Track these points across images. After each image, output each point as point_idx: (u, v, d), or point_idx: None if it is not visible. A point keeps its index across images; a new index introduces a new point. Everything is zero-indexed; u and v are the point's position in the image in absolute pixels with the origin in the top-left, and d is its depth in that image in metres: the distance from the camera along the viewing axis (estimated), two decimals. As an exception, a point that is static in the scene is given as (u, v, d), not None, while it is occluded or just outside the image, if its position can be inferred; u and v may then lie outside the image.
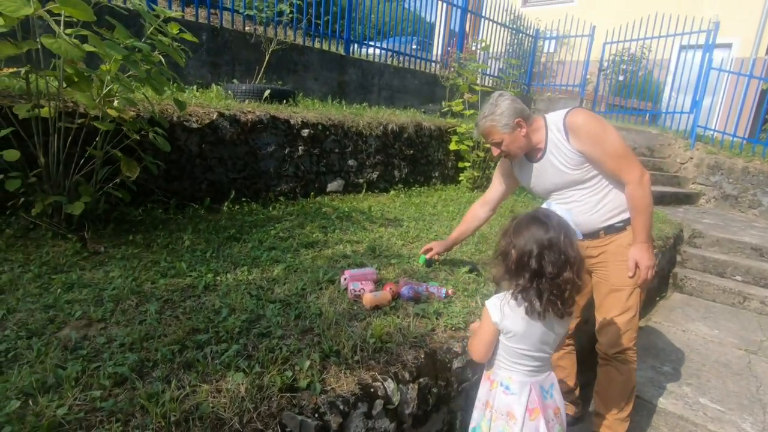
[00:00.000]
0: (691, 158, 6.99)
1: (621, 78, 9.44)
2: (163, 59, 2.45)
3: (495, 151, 1.96)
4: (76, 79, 2.15)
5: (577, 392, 2.30)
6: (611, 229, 1.92)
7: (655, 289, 4.27)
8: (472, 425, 1.51)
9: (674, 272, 4.60)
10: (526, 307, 1.28)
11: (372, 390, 1.46)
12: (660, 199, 6.15)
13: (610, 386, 2.02)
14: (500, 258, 1.35)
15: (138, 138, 2.51)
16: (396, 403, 1.49)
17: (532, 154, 1.96)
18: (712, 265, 4.61)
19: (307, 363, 1.44)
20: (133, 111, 2.65)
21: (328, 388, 1.39)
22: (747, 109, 7.06)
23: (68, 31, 2.07)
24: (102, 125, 2.17)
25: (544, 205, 1.43)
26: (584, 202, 1.91)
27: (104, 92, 2.23)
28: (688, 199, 6.64)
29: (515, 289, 1.30)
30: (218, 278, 2.01)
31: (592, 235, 1.96)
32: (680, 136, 7.36)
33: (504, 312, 1.33)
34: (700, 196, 6.79)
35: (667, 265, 4.55)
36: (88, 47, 2.03)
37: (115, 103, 2.41)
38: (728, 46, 10.10)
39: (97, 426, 1.09)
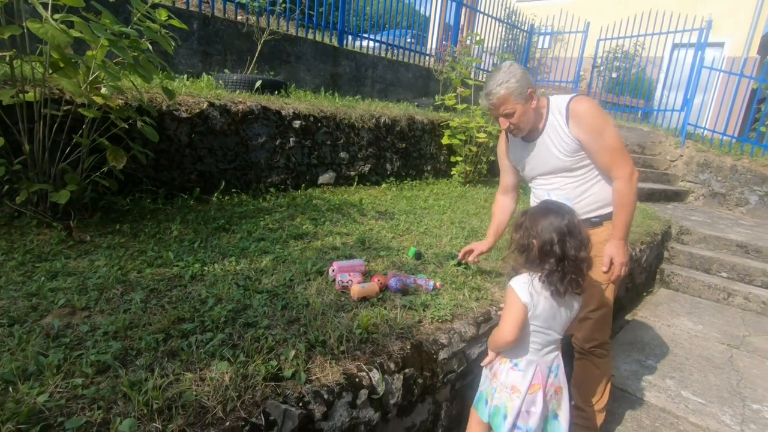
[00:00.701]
0: (681, 156, 7.06)
1: (614, 75, 9.48)
2: (151, 47, 2.42)
3: (504, 123, 1.86)
4: (62, 65, 2.11)
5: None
6: (588, 224, 1.91)
7: (642, 285, 4.32)
8: (480, 389, 1.59)
9: (661, 268, 4.66)
10: (552, 290, 1.38)
11: (357, 380, 1.46)
12: (649, 196, 6.22)
13: (586, 379, 2.05)
14: (519, 250, 1.44)
15: (126, 127, 2.48)
16: (381, 393, 1.50)
17: (529, 133, 1.94)
18: (699, 262, 4.67)
19: (293, 353, 1.44)
20: (121, 99, 2.61)
21: (313, 377, 1.39)
22: (737, 108, 7.13)
23: (55, 16, 2.03)
24: (88, 113, 2.14)
25: (545, 197, 1.53)
26: (567, 191, 1.90)
27: (91, 79, 2.20)
28: (677, 196, 6.72)
29: (542, 274, 1.38)
30: (205, 268, 2.01)
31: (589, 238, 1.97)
32: (671, 134, 7.42)
33: (531, 293, 1.40)
34: (689, 194, 6.87)
35: (655, 261, 4.61)
36: (75, 33, 1.99)
37: (103, 90, 2.38)
38: (720, 45, 10.17)
39: (78, 413, 1.08)
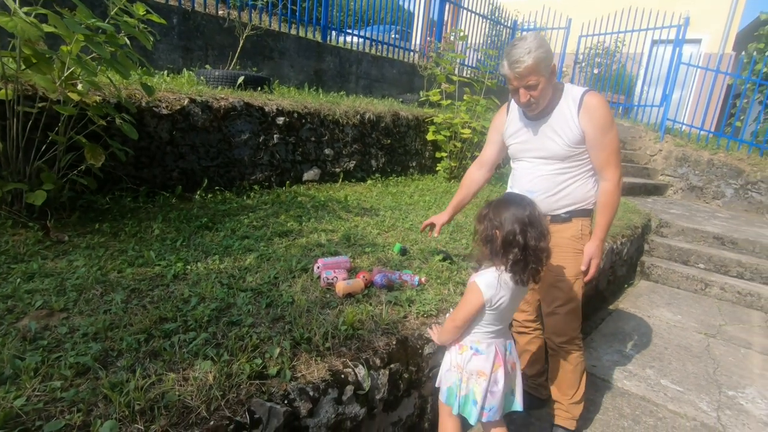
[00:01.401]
0: (661, 150, 7.21)
1: (596, 71, 9.61)
2: (128, 42, 2.36)
3: (524, 96, 1.75)
4: (34, 61, 2.05)
5: (545, 376, 2.37)
6: (557, 219, 1.94)
7: (623, 277, 4.41)
8: (447, 385, 1.58)
9: (642, 260, 4.77)
10: (515, 278, 1.42)
11: (343, 376, 1.47)
12: (630, 190, 6.34)
13: (560, 374, 2.08)
14: (483, 242, 1.47)
15: (104, 124, 2.42)
16: (367, 389, 1.51)
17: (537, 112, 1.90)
18: (677, 254, 4.79)
19: (277, 350, 1.44)
20: (99, 96, 2.55)
21: (299, 374, 1.39)
22: (714, 103, 7.31)
23: (26, 9, 1.97)
24: (63, 110, 2.09)
25: (522, 181, 1.60)
26: (549, 180, 1.91)
27: (66, 75, 2.14)
28: (656, 190, 6.87)
29: (506, 264, 1.42)
30: (188, 267, 1.98)
31: (548, 229, 1.99)
32: (650, 129, 7.58)
33: (497, 289, 1.45)
34: (668, 187, 7.03)
35: (636, 253, 4.71)
36: (47, 27, 1.94)
37: (79, 87, 2.32)
38: (697, 41, 10.40)
39: (57, 416, 1.06)
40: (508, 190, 2.12)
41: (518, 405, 1.62)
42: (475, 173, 2.22)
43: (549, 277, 2.02)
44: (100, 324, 1.43)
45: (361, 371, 1.52)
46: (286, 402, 1.29)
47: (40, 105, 2.23)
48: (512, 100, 1.94)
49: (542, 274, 1.47)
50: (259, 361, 1.37)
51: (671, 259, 4.82)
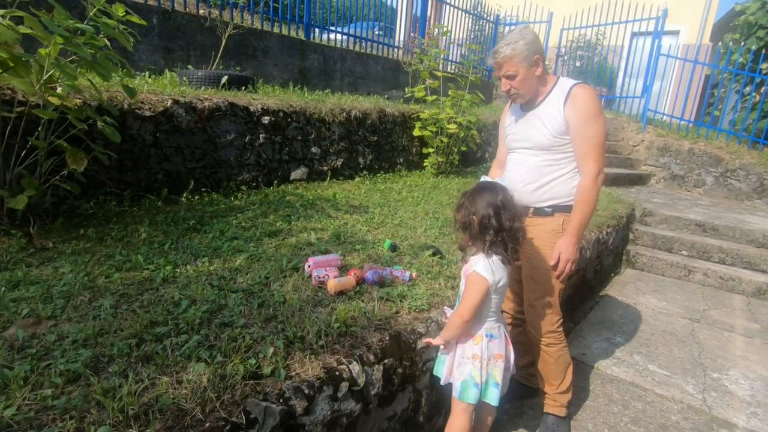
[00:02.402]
0: (643, 141, 7.34)
1: (578, 64, 9.72)
2: (108, 43, 2.32)
3: (505, 86, 1.89)
4: (11, 64, 2.00)
5: (536, 366, 2.40)
6: (540, 212, 1.97)
7: (609, 266, 4.49)
8: (461, 378, 1.61)
9: (627, 249, 4.86)
10: (501, 258, 1.53)
11: (337, 373, 1.48)
12: (614, 181, 6.45)
13: (545, 366, 2.10)
14: (462, 228, 1.58)
15: (85, 127, 2.38)
16: (361, 385, 1.52)
17: (529, 102, 1.95)
18: (661, 242, 4.90)
19: (271, 350, 1.44)
20: (79, 99, 2.51)
21: (293, 373, 1.40)
22: (693, 93, 7.46)
23: (1, 12, 1.92)
24: (43, 113, 2.05)
25: (482, 179, 1.65)
26: (535, 172, 1.94)
27: (45, 78, 2.10)
28: (639, 179, 6.99)
29: (485, 246, 1.52)
30: (177, 270, 1.96)
31: (523, 211, 1.98)
32: (632, 120, 7.70)
33: (493, 270, 1.53)
34: (650, 177, 7.16)
35: (621, 242, 4.80)
36: (24, 29, 1.90)
37: (59, 90, 2.28)
38: (675, 33, 10.59)
39: (49, 424, 1.05)
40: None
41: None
42: (496, 174, 2.25)
43: (528, 270, 2.05)
44: (89, 330, 1.41)
45: (356, 368, 1.53)
46: (281, 401, 1.29)
47: (18, 109, 2.18)
48: None
49: (520, 254, 1.60)
50: (253, 361, 1.37)
51: (655, 247, 4.92)
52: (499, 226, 1.50)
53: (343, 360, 1.53)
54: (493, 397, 1.62)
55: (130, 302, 1.65)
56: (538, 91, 1.94)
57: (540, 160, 1.94)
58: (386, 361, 1.67)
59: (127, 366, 1.29)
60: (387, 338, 1.71)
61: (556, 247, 1.90)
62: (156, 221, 2.57)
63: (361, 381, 1.52)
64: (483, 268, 1.53)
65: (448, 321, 1.64)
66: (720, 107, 7.20)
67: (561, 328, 2.04)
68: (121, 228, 2.40)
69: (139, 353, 1.35)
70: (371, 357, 1.61)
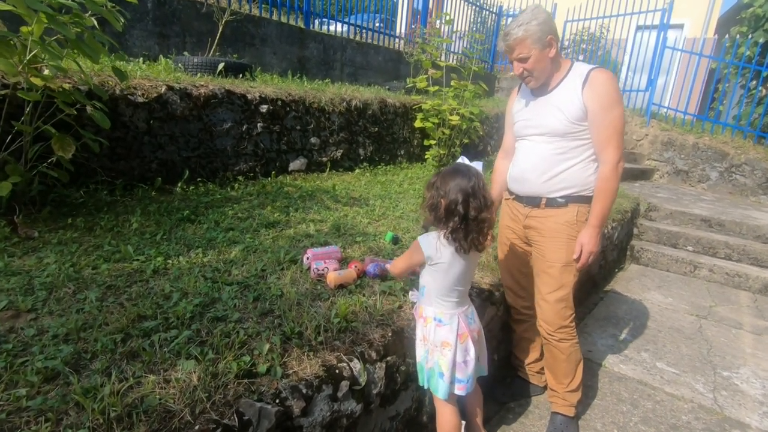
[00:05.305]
0: (647, 135, 7.24)
1: (581, 57, 9.59)
2: (96, 24, 2.21)
3: (517, 69, 1.81)
4: (-7, 43, 1.89)
5: (543, 362, 2.32)
6: (553, 203, 1.88)
7: (614, 262, 4.41)
8: (417, 360, 1.62)
9: (632, 244, 4.77)
10: (456, 246, 1.48)
11: (337, 371, 1.39)
12: (618, 175, 6.34)
13: (554, 364, 2.02)
14: (428, 208, 1.53)
15: (74, 113, 2.27)
16: (363, 384, 1.43)
17: (542, 87, 1.86)
18: (666, 237, 4.81)
19: (267, 346, 1.35)
20: (68, 83, 2.40)
21: (290, 371, 1.31)
22: (698, 87, 7.35)
23: (-20, -14, 1.81)
24: (28, 96, 1.94)
25: (459, 160, 1.59)
26: (548, 160, 1.84)
27: (28, 58, 1.99)
28: (643, 174, 6.90)
29: (446, 230, 1.48)
30: (169, 261, 1.87)
31: (534, 202, 1.92)
32: (636, 114, 7.59)
33: (437, 247, 1.51)
34: (654, 172, 7.07)
35: (625, 237, 4.71)
36: (4, 6, 1.78)
37: (46, 72, 2.16)
38: (680, 26, 10.45)
39: (21, 427, 0.96)
40: (509, 172, 2.05)
41: (484, 369, 1.70)
42: (502, 164, 2.16)
43: (540, 263, 1.96)
44: (71, 324, 1.32)
45: (357, 365, 1.44)
46: (277, 401, 1.20)
47: (2, 92, 2.08)
48: None
49: (486, 244, 1.55)
50: (247, 358, 1.28)
51: (660, 242, 4.84)
52: (465, 214, 1.45)
53: (344, 357, 1.44)
54: (438, 389, 1.55)
55: (118, 295, 1.56)
56: (552, 75, 1.84)
57: (553, 147, 1.84)
58: (389, 358, 1.58)
59: (111, 363, 1.20)
60: (389, 334, 1.62)
61: (578, 239, 1.82)
62: (148, 211, 2.47)
63: (363, 380, 1.44)
64: (426, 240, 1.53)
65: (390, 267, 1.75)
66: (725, 102, 7.09)
67: (573, 323, 1.96)
68: (111, 218, 2.30)
69: (124, 349, 1.26)
70: (373, 354, 1.53)
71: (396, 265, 1.68)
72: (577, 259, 1.85)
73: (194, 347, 1.29)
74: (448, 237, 1.48)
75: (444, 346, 1.54)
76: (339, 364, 1.41)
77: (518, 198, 2.02)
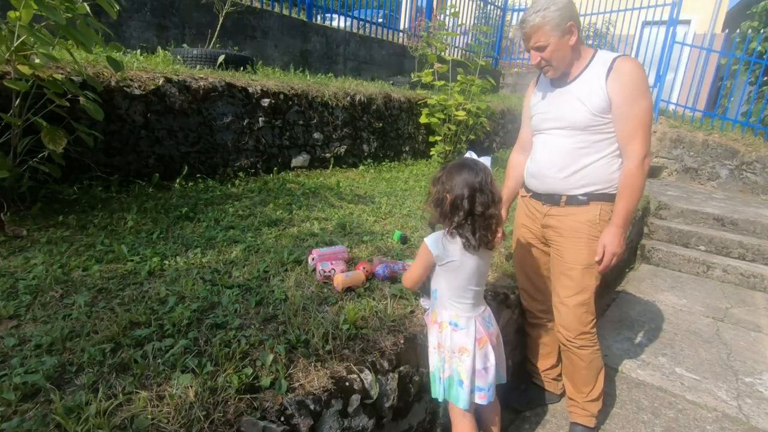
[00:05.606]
0: (655, 132, 7.10)
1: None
2: (89, 11, 2.09)
3: (534, 59, 1.69)
4: (-22, 29, 1.78)
5: (559, 368, 2.21)
6: (573, 201, 1.76)
7: (624, 261, 4.29)
8: (430, 370, 1.51)
9: (642, 244, 4.65)
10: (463, 242, 1.41)
11: (347, 384, 1.27)
12: (626, 173, 6.21)
13: (574, 371, 1.91)
14: (434, 204, 1.46)
15: (67, 104, 2.15)
16: (374, 397, 1.32)
17: (562, 77, 1.74)
18: (677, 236, 4.69)
19: (271, 357, 1.23)
20: (61, 73, 2.28)
21: (296, 384, 1.19)
22: (707, 83, 7.21)
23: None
24: (15, 85, 1.82)
25: (466, 155, 1.51)
26: (568, 155, 1.73)
27: (16, 45, 1.87)
28: (651, 172, 6.76)
29: (451, 226, 1.41)
30: (165, 262, 1.75)
31: (554, 199, 1.80)
32: (644, 111, 7.44)
33: (443, 245, 1.43)
34: (663, 169, 6.94)
35: (636, 237, 4.59)
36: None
37: (37, 61, 2.04)
38: (687, 22, 10.30)
39: (-6, 455, 0.85)
40: (526, 167, 1.93)
41: (502, 377, 1.59)
42: (518, 158, 2.03)
43: (559, 265, 1.84)
44: (56, 333, 1.20)
45: (368, 377, 1.33)
46: (282, 419, 1.09)
47: (-11, 82, 1.96)
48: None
49: (496, 240, 1.48)
50: (249, 370, 1.17)
51: (671, 241, 4.72)
52: (470, 210, 1.38)
53: (354, 368, 1.32)
54: (459, 398, 1.44)
55: (109, 299, 1.44)
56: (572, 64, 1.72)
57: (575, 141, 1.72)
58: (401, 368, 1.47)
59: (98, 377, 1.08)
60: (402, 341, 1.51)
61: (600, 239, 1.70)
62: (145, 208, 2.35)
63: (375, 392, 1.32)
64: (432, 240, 1.45)
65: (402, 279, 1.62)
66: (734, 98, 6.95)
67: (595, 329, 1.84)
68: (106, 215, 2.18)
69: (113, 361, 1.14)
70: (385, 364, 1.41)
71: (409, 277, 1.57)
72: (599, 261, 1.73)
73: (191, 358, 1.18)
74: (453, 232, 1.42)
75: (462, 352, 1.44)
76: (349, 376, 1.30)
77: (536, 195, 1.90)
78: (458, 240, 1.41)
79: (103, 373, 1.09)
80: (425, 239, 1.47)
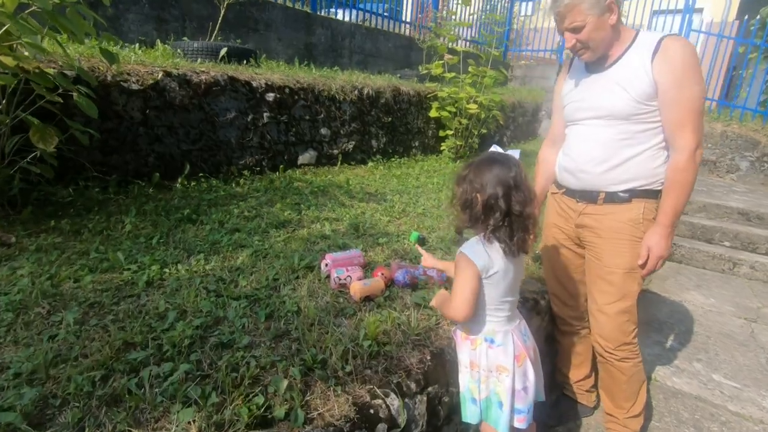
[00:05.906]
0: (670, 124, 6.88)
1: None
2: (82, 1, 1.93)
3: (569, 41, 1.51)
4: (-42, 17, 1.62)
5: (592, 379, 2.04)
6: (613, 198, 1.58)
7: (646, 259, 4.11)
8: (461, 390, 1.33)
9: (663, 240, 4.46)
10: (503, 247, 1.24)
11: (371, 411, 1.12)
12: (642, 166, 6.01)
13: (613, 385, 1.75)
14: (461, 206, 1.28)
15: (59, 100, 2.00)
16: (402, 425, 1.16)
17: (599, 61, 1.57)
18: (700, 232, 4.49)
19: (285, 383, 1.08)
20: (53, 67, 2.12)
21: (314, 413, 1.04)
22: (723, 72, 6.98)
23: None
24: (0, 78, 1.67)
25: (492, 149, 1.35)
26: (608, 148, 1.55)
27: (-1, 34, 1.71)
28: (667, 165, 6.56)
29: (487, 231, 1.24)
30: (166, 271, 1.60)
31: (590, 196, 1.63)
32: (658, 102, 7.22)
33: (488, 254, 1.24)
34: (678, 162, 6.72)
35: (657, 232, 4.39)
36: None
37: (26, 54, 1.89)
38: (699, 11, 10.03)
39: None
40: (558, 162, 1.76)
41: (541, 394, 1.39)
42: (549, 153, 1.85)
43: (597, 268, 1.67)
44: (39, 358, 1.05)
45: (395, 402, 1.17)
46: (300, 459, 0.93)
47: (-27, 76, 1.80)
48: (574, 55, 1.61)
49: (531, 242, 1.31)
50: (260, 399, 1.02)
51: (694, 237, 4.52)
52: (508, 209, 1.22)
53: (378, 391, 1.17)
54: (499, 422, 1.27)
55: (101, 315, 1.29)
56: (612, 46, 1.54)
57: (615, 132, 1.54)
58: (430, 389, 1.31)
59: (86, 413, 0.93)
60: (428, 358, 1.35)
61: (645, 241, 1.52)
62: (144, 211, 2.20)
63: (402, 420, 1.16)
64: (471, 249, 1.25)
65: (441, 310, 1.32)
66: (751, 87, 6.71)
67: (636, 339, 1.68)
68: (102, 219, 2.04)
69: (104, 392, 0.99)
70: (412, 385, 1.25)
71: (458, 306, 1.25)
72: (642, 265, 1.56)
73: (193, 387, 1.02)
74: (490, 237, 1.25)
75: (500, 371, 1.27)
76: (373, 401, 1.14)
77: (569, 192, 1.73)
78: (497, 245, 1.24)
79: (90, 408, 0.94)
80: (462, 250, 1.28)
